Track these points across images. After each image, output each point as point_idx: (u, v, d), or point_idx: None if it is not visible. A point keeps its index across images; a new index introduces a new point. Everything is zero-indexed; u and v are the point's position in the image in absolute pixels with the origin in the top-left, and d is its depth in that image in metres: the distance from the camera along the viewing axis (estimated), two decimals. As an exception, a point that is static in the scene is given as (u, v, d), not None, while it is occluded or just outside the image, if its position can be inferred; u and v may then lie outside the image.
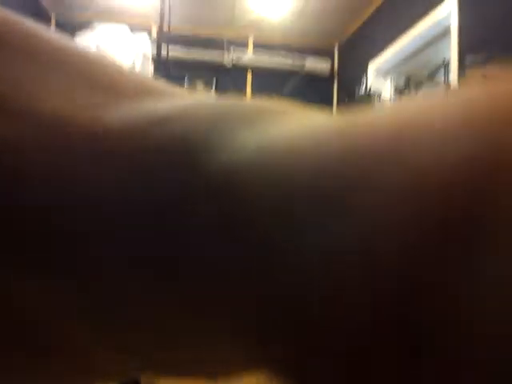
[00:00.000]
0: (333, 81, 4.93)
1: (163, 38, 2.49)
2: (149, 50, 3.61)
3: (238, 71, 4.73)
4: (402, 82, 3.60)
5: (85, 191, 0.10)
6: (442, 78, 3.00)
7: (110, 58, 0.13)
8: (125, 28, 3.41)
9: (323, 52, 4.88)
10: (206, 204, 0.09)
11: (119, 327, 0.10)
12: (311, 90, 4.74)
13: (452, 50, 2.82)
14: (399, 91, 3.41)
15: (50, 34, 0.13)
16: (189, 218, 0.09)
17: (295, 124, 0.10)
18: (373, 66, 4.03)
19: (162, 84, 0.12)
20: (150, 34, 4.11)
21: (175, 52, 3.96)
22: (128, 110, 0.11)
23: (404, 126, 0.08)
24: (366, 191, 0.07)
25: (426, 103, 0.08)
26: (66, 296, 0.10)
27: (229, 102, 0.11)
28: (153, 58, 2.87)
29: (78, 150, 0.10)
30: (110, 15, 4.18)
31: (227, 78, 4.67)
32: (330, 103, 4.89)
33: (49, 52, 0.12)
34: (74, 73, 0.11)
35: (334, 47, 4.95)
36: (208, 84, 4.45)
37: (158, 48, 2.49)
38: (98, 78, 0.12)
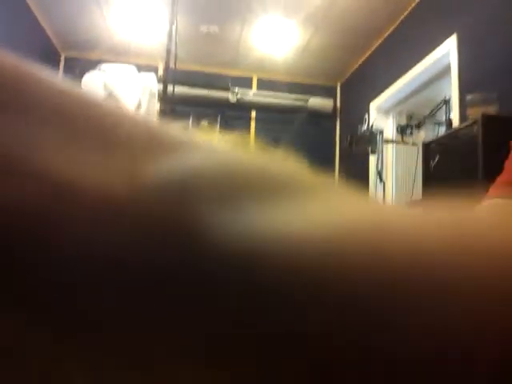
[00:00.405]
0: (335, 118, 5.00)
1: (169, 75, 2.55)
2: (155, 87, 3.69)
3: (243, 108, 4.81)
4: (403, 119, 3.65)
5: (84, 255, 0.09)
6: (444, 116, 3.05)
7: (119, 103, 0.12)
8: (132, 67, 3.50)
9: (326, 90, 4.97)
10: (209, 280, 0.09)
11: None
12: (314, 127, 4.81)
13: (453, 88, 2.87)
14: (401, 128, 3.45)
15: (53, 80, 0.11)
16: (193, 294, 0.09)
17: (318, 211, 0.10)
18: (374, 104, 4.09)
19: (176, 130, 0.12)
20: (156, 71, 4.22)
21: (181, 89, 4.04)
22: (138, 170, 0.10)
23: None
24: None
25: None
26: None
27: (251, 161, 0.11)
28: (159, 95, 2.93)
29: (81, 214, 0.10)
30: (117, 54, 4.29)
31: (232, 114, 4.74)
32: (333, 140, 4.94)
33: (53, 103, 0.11)
34: (82, 128, 0.11)
35: (336, 85, 5.05)
36: (213, 120, 4.52)
37: (164, 85, 2.55)
38: (107, 131, 0.11)
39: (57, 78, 0.12)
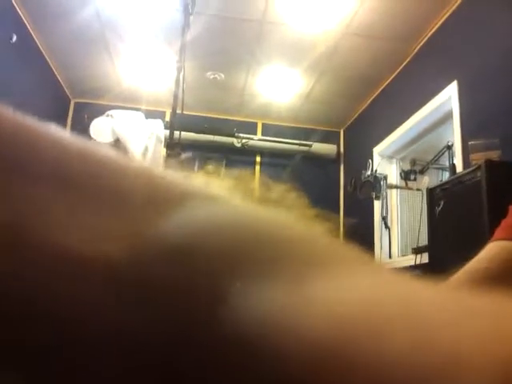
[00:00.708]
0: (339, 163, 5.05)
1: (176, 121, 2.60)
2: (162, 132, 3.75)
3: (247, 152, 4.87)
4: (407, 164, 3.68)
5: (82, 327, 0.09)
6: (447, 161, 3.07)
7: (126, 148, 0.11)
8: (139, 113, 3.58)
9: (329, 136, 5.04)
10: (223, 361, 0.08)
11: None
12: (318, 172, 4.84)
13: (455, 134, 2.91)
14: (405, 174, 3.47)
15: (64, 141, 0.11)
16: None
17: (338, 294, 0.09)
18: (377, 150, 4.14)
19: (180, 181, 0.11)
20: (163, 117, 4.30)
21: (187, 134, 4.11)
22: (139, 230, 0.10)
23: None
24: None
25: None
26: None
27: (269, 222, 0.10)
28: (165, 141, 2.98)
29: (77, 282, 0.09)
30: (126, 100, 4.40)
31: (237, 158, 4.80)
32: (337, 185, 4.97)
33: (65, 170, 0.10)
34: (86, 192, 0.10)
35: (339, 131, 5.12)
36: (218, 165, 4.57)
37: (171, 131, 2.60)
38: (108, 192, 0.10)
39: (67, 138, 0.11)
